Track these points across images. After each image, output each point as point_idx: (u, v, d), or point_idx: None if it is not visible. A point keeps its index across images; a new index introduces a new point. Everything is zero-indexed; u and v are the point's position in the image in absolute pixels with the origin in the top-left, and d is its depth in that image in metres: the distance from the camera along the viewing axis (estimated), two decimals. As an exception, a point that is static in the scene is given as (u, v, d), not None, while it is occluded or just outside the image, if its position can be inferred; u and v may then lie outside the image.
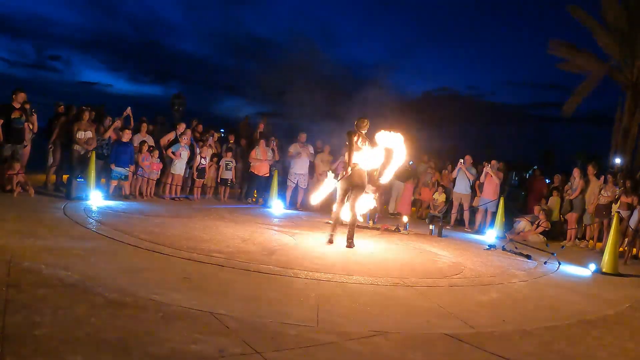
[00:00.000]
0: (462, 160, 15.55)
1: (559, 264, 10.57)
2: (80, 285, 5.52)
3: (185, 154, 14.30)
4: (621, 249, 11.59)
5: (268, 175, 15.90)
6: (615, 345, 5.64)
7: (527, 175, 18.37)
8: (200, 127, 16.22)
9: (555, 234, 14.80)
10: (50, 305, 4.79)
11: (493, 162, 15.42)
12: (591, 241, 14.13)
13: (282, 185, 16.08)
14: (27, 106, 12.10)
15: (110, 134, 13.45)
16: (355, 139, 10.04)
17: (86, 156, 12.76)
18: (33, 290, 5.17)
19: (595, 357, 5.16)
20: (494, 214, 14.88)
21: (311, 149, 15.88)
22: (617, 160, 22.35)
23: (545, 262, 10.50)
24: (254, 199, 16.38)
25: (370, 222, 13.59)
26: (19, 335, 4.07)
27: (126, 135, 13.21)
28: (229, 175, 15.64)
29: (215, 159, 15.38)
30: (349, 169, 10.02)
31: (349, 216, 10.29)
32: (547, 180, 17.59)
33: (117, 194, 13.16)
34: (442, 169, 17.50)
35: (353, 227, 10.17)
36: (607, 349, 5.46)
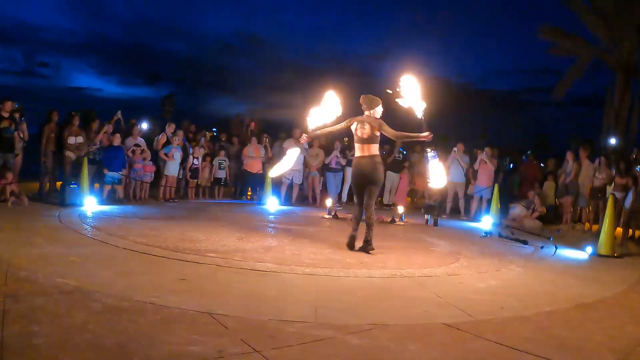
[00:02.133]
0: (455, 149, 15.59)
1: (556, 248, 10.61)
2: (78, 292, 5.51)
3: (177, 155, 14.30)
4: (617, 229, 11.60)
5: (261, 172, 15.92)
6: (614, 328, 5.65)
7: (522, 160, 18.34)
8: (193, 127, 16.25)
9: (551, 218, 14.85)
10: (48, 313, 4.78)
11: (487, 149, 15.45)
12: (587, 224, 14.18)
13: (276, 182, 16.09)
14: (17, 115, 12.05)
15: (101, 138, 13.41)
16: (352, 125, 8.99)
17: (78, 162, 12.74)
18: (30, 299, 5.16)
19: (594, 341, 5.15)
20: (489, 201, 14.91)
21: (305, 145, 15.87)
22: (612, 141, 22.43)
23: (542, 247, 10.54)
24: (248, 197, 16.40)
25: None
26: (18, 345, 4.06)
27: (117, 139, 13.19)
28: (222, 174, 15.68)
29: (208, 159, 15.39)
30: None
31: (366, 216, 9.08)
32: (542, 165, 17.63)
33: (111, 199, 13.15)
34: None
35: (371, 228, 8.99)
36: (606, 332, 5.46)
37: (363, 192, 9.03)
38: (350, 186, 14.40)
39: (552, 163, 16.22)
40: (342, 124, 9.10)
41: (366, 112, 8.96)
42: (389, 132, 8.84)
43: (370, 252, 8.78)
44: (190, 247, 8.28)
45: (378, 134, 8.91)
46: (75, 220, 10.07)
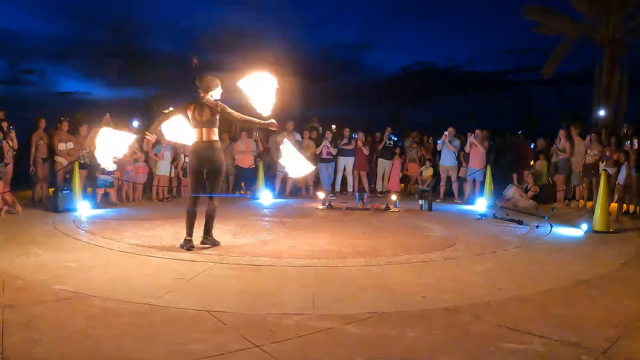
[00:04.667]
0: (445, 133, 15.58)
1: (551, 226, 10.62)
2: (76, 298, 5.51)
3: (167, 154, 14.26)
4: (612, 205, 11.60)
5: (253, 166, 15.90)
6: (612, 303, 5.67)
7: (512, 141, 18.35)
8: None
9: (545, 197, 14.88)
10: (47, 321, 4.79)
11: (477, 131, 15.44)
12: (581, 201, 14.21)
13: (269, 175, 16.11)
14: (5, 124, 11.98)
15: (89, 142, 13.34)
16: (190, 112, 8.15)
17: (69, 167, 12.69)
18: (29, 308, 5.16)
19: (593, 317, 5.17)
20: (482, 183, 14.92)
21: (298, 137, 15.89)
22: (602, 112, 22.49)
23: (537, 226, 10.55)
24: (241, 192, 16.40)
25: (360, 203, 13.60)
26: (18, 355, 4.05)
27: (106, 143, 13.12)
28: (215, 170, 15.61)
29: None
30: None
31: (209, 205, 8.45)
32: (532, 145, 17.66)
33: (105, 202, 13.10)
34: (427, 143, 17.57)
35: (212, 219, 8.55)
36: (605, 308, 5.48)
37: (202, 182, 8.27)
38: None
39: (542, 142, 16.25)
40: (175, 112, 8.34)
41: (203, 95, 8.21)
42: (231, 114, 8.30)
43: (214, 244, 8.40)
44: (185, 246, 8.29)
45: (218, 117, 8.24)
46: (70, 225, 10.04)
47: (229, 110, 8.25)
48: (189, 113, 8.16)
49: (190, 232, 8.21)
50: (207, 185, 8.28)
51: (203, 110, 8.14)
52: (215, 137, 8.27)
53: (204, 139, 8.16)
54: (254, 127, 8.60)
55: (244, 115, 8.29)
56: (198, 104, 8.15)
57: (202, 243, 8.39)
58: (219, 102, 8.25)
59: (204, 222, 8.40)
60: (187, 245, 8.09)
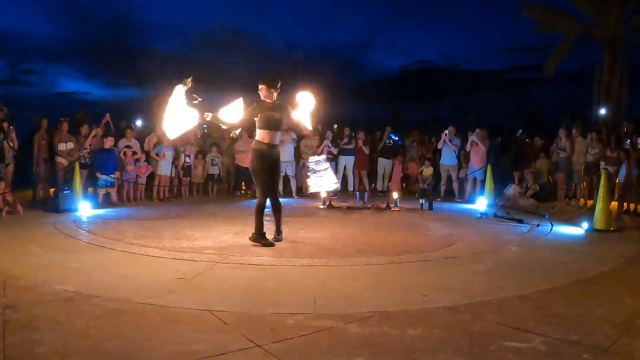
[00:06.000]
0: (446, 132, 15.55)
1: (552, 225, 10.61)
2: (77, 298, 5.51)
3: (169, 154, 14.25)
4: (612, 203, 11.60)
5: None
6: (613, 302, 5.67)
7: (513, 139, 18.33)
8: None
9: (545, 196, 14.87)
10: (48, 321, 4.79)
11: (478, 130, 15.42)
12: (582, 199, 14.21)
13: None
14: (5, 124, 11.96)
15: (90, 142, 13.32)
16: (261, 113, 8.18)
17: (70, 167, 12.69)
18: (30, 308, 5.16)
19: (595, 316, 5.18)
20: (483, 182, 14.90)
21: (293, 135, 15.84)
22: (602, 111, 22.47)
23: (537, 225, 10.54)
24: (242, 192, 16.38)
25: (361, 202, 13.60)
26: (20, 355, 4.06)
27: (108, 142, 13.14)
28: (215, 170, 15.63)
29: (200, 156, 15.36)
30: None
31: (274, 204, 8.78)
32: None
33: (106, 202, 13.09)
34: (427, 142, 17.54)
35: (281, 216, 8.91)
36: (605, 307, 5.49)
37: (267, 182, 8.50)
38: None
39: (539, 140, 16.25)
40: (255, 110, 8.24)
41: (273, 96, 8.30)
42: (291, 117, 8.48)
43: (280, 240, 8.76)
44: (186, 246, 8.30)
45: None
46: (71, 226, 10.04)
47: (290, 112, 8.39)
48: (259, 114, 8.21)
49: (262, 227, 8.55)
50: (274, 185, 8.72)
51: (276, 112, 8.26)
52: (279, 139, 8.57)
53: (273, 142, 8.36)
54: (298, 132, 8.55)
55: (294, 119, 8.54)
56: (272, 106, 8.25)
57: (274, 240, 8.67)
58: (286, 104, 8.41)
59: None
60: (265, 241, 8.46)
